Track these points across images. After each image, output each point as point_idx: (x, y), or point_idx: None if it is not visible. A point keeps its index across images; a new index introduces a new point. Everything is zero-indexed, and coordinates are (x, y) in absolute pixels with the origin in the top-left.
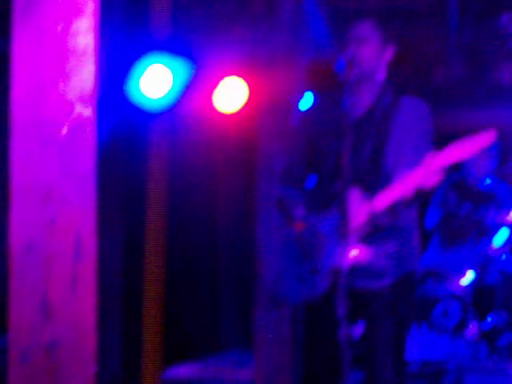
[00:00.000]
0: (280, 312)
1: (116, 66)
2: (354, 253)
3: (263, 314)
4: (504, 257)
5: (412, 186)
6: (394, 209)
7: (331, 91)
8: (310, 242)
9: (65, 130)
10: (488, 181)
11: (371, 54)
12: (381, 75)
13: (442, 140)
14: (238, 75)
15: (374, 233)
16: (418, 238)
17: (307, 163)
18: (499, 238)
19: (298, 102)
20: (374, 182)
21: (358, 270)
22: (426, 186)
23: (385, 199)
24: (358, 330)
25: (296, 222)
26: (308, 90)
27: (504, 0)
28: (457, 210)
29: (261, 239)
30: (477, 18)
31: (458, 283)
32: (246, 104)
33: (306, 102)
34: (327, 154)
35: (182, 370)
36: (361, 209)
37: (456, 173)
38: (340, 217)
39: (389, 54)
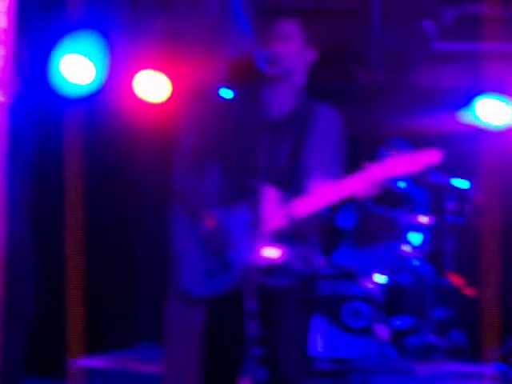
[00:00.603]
0: (189, 306)
1: (34, 50)
2: (265, 251)
3: (174, 308)
4: (416, 259)
5: (345, 194)
6: (314, 215)
7: (251, 87)
8: (220, 236)
9: None
10: (403, 183)
11: (293, 52)
12: (300, 76)
13: (364, 142)
14: (159, 66)
15: (287, 233)
16: (322, 240)
17: (219, 156)
18: (412, 241)
19: (218, 94)
20: (290, 182)
21: (266, 267)
22: (360, 195)
23: (307, 205)
24: (266, 327)
25: (204, 216)
26: (229, 84)
27: (426, 5)
28: (371, 210)
29: (174, 233)
30: (399, 21)
31: (369, 284)
32: (167, 95)
33: (226, 95)
34: (240, 149)
35: (93, 361)
36: (277, 210)
37: None
38: (252, 214)
39: (310, 55)
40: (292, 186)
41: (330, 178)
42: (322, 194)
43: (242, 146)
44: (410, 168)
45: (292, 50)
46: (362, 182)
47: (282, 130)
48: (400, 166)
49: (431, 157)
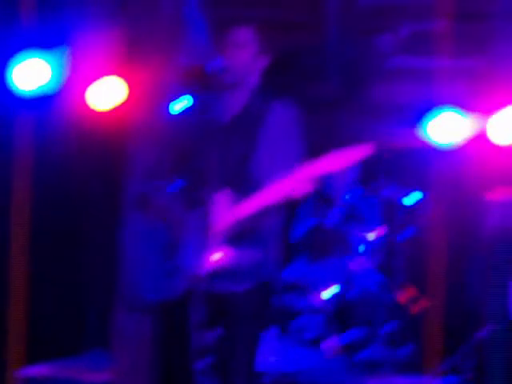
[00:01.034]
0: (139, 312)
1: None
2: (216, 255)
3: (122, 315)
4: (366, 273)
5: (280, 194)
6: (260, 216)
7: (206, 93)
8: (174, 242)
9: None
10: (353, 196)
11: (247, 60)
12: (253, 82)
13: (317, 153)
14: (115, 73)
15: (238, 237)
16: (280, 248)
17: (175, 163)
18: (362, 254)
19: (173, 101)
20: (243, 186)
21: (219, 272)
22: (294, 195)
23: (251, 205)
24: (215, 335)
25: (155, 214)
26: (184, 90)
27: (382, 20)
28: (322, 224)
29: (124, 238)
30: (355, 35)
31: (319, 297)
32: (121, 102)
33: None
34: (196, 155)
35: (40, 369)
36: (227, 212)
37: (324, 186)
38: (203, 218)
39: (263, 61)
40: (244, 189)
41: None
42: (265, 193)
43: (195, 152)
44: (340, 163)
45: (246, 58)
46: (297, 180)
47: (233, 131)
48: (332, 161)
49: (361, 150)
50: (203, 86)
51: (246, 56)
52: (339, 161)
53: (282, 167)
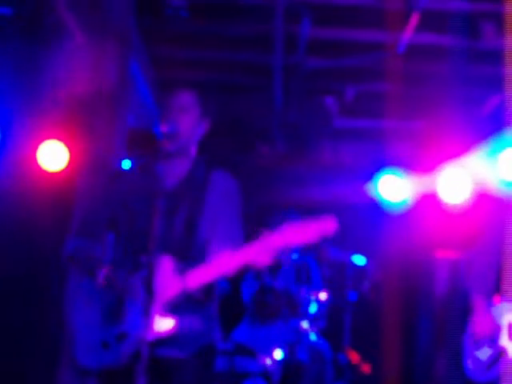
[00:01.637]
0: (83, 378)
1: None
2: (159, 322)
3: (65, 377)
4: (313, 335)
5: (239, 263)
6: (211, 284)
7: (149, 158)
8: (116, 307)
9: None
10: (299, 258)
11: (189, 125)
12: (195, 147)
13: (263, 214)
14: (59, 137)
15: (183, 304)
16: (218, 312)
17: (110, 222)
18: (309, 315)
19: (117, 165)
20: (186, 251)
21: (162, 339)
22: (256, 265)
23: (203, 275)
24: None
25: (99, 269)
26: (128, 155)
27: (327, 82)
28: (271, 286)
29: (69, 301)
30: (301, 97)
31: (267, 359)
32: (65, 164)
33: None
34: (137, 219)
35: None
36: (172, 280)
37: None
38: (147, 283)
39: (204, 126)
40: (188, 256)
41: (228, 245)
42: (219, 263)
43: (137, 216)
44: (305, 237)
45: (189, 122)
46: (257, 251)
47: (178, 198)
48: (295, 235)
49: (326, 226)
50: (148, 150)
51: (188, 122)
52: (305, 234)
53: (224, 236)
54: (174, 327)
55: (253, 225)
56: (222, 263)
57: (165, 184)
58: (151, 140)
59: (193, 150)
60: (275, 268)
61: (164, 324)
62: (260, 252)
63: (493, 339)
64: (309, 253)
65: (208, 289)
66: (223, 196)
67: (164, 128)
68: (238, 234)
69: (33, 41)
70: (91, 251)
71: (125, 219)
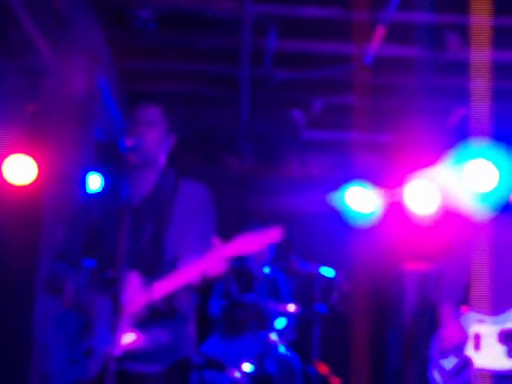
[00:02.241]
0: None
1: None
2: (127, 337)
3: None
4: (282, 347)
5: (196, 273)
6: (174, 296)
7: (116, 172)
8: (85, 324)
9: None
10: (267, 270)
11: (155, 138)
12: (162, 161)
13: (232, 227)
14: (26, 151)
15: (150, 318)
16: (194, 326)
17: (87, 243)
18: (277, 327)
19: (84, 180)
20: (154, 266)
21: (131, 353)
22: (210, 274)
23: (165, 286)
24: None
25: (67, 299)
26: (95, 168)
27: (294, 94)
28: (239, 299)
29: (37, 318)
30: (268, 109)
31: (236, 372)
32: (33, 178)
33: (94, 182)
34: (104, 236)
35: None
36: (138, 294)
37: (237, 261)
38: (115, 300)
39: (171, 140)
40: (157, 271)
41: (199, 255)
42: (180, 273)
43: (107, 234)
44: (254, 246)
45: (155, 137)
46: (211, 260)
47: (144, 212)
48: (245, 244)
49: (272, 235)
50: (114, 164)
51: (154, 135)
52: (253, 243)
53: (194, 247)
54: (142, 342)
55: (223, 234)
56: (182, 273)
57: (131, 200)
58: (118, 154)
59: (160, 163)
60: (244, 281)
61: (131, 339)
62: (213, 261)
63: (459, 349)
64: (277, 265)
65: (171, 299)
66: (193, 205)
67: (129, 142)
68: (209, 246)
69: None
70: (64, 274)
71: (93, 236)
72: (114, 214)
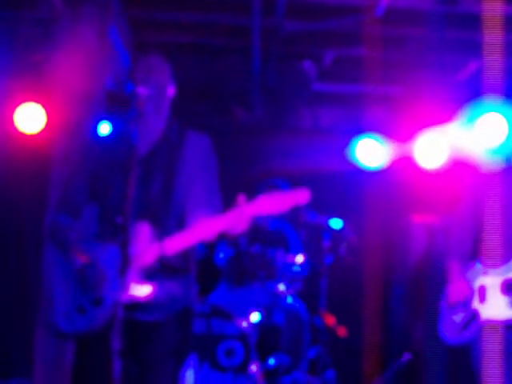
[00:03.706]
0: (59, 342)
1: None
2: (139, 289)
3: (43, 342)
4: (290, 297)
5: (217, 230)
6: (187, 252)
7: (123, 120)
8: (92, 273)
9: None
10: (276, 221)
11: (159, 85)
12: (167, 108)
13: (245, 182)
14: (36, 99)
15: (161, 270)
16: (195, 275)
17: (91, 192)
18: (287, 279)
19: (95, 129)
20: (163, 216)
21: (139, 303)
22: (232, 232)
23: (180, 242)
24: (135, 365)
25: (74, 250)
26: (107, 118)
27: (305, 46)
28: (247, 249)
29: (46, 268)
30: (280, 61)
31: (243, 322)
32: (45, 127)
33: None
34: (113, 185)
35: None
36: (150, 247)
37: None
38: (124, 249)
39: (173, 88)
40: (166, 221)
41: (207, 209)
42: (196, 230)
43: (115, 183)
44: (279, 207)
45: (159, 83)
46: (233, 219)
47: (152, 162)
48: (270, 204)
49: (299, 196)
50: (119, 111)
51: (158, 81)
52: (279, 203)
53: (203, 200)
54: (150, 293)
55: (233, 191)
56: (199, 230)
57: (139, 148)
58: (125, 101)
59: (165, 111)
60: (252, 232)
61: (141, 290)
62: (236, 220)
63: (466, 303)
64: (286, 216)
65: (185, 256)
66: (199, 156)
67: (135, 89)
68: (216, 199)
69: (11, 8)
70: (69, 229)
71: (103, 189)
72: (121, 161)
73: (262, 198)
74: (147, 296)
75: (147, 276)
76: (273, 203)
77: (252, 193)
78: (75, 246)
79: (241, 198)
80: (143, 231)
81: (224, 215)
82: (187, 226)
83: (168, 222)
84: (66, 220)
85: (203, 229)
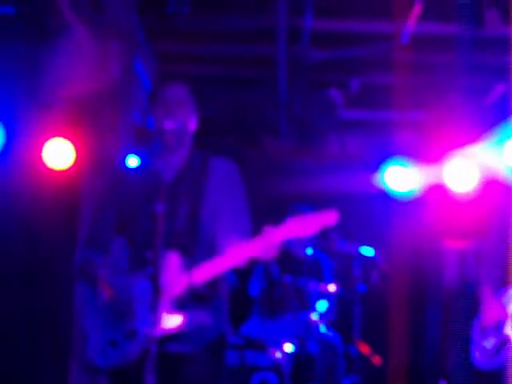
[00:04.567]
0: (93, 378)
1: None
2: (170, 319)
3: (77, 381)
4: (323, 327)
5: (243, 257)
6: (217, 279)
7: (148, 153)
8: (124, 306)
9: None
10: (310, 251)
11: (184, 118)
12: (188, 140)
13: (273, 209)
14: (64, 135)
15: (191, 300)
16: (227, 306)
17: (119, 226)
18: (319, 308)
19: (123, 164)
20: (191, 244)
21: (171, 335)
22: (263, 258)
23: (208, 270)
24: None
25: (102, 285)
26: (133, 150)
27: (331, 74)
28: (279, 279)
29: (79, 303)
30: (306, 89)
31: (277, 353)
32: (71, 162)
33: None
34: (140, 219)
35: None
36: (179, 276)
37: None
38: (154, 280)
39: (195, 121)
40: (193, 249)
41: (235, 235)
42: (225, 257)
43: (143, 216)
44: (308, 229)
45: (184, 116)
46: (261, 245)
47: (177, 191)
48: (298, 227)
49: (327, 218)
50: (145, 144)
51: (183, 114)
52: (307, 226)
53: (236, 227)
54: (182, 323)
55: (261, 218)
56: (228, 257)
57: (165, 177)
58: (149, 134)
59: (188, 142)
60: (285, 261)
61: (172, 320)
62: (266, 245)
63: (498, 328)
64: (318, 245)
65: (214, 283)
66: (225, 181)
67: (162, 123)
68: (245, 223)
69: (36, 40)
70: (98, 265)
71: (128, 221)
72: (149, 194)
73: (291, 221)
74: (178, 327)
75: (177, 306)
76: (301, 226)
77: (280, 219)
78: (103, 281)
79: (268, 226)
80: (172, 261)
81: (253, 240)
82: (218, 251)
83: (196, 250)
84: (94, 255)
85: (233, 255)
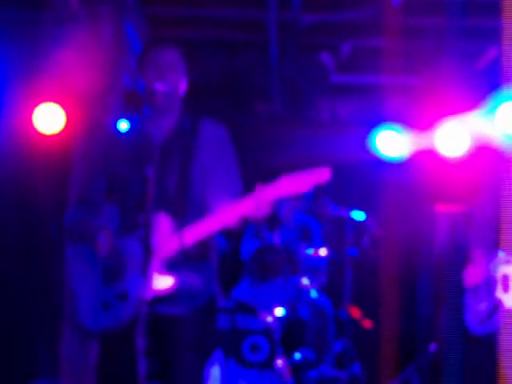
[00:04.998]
0: (84, 341)
1: None
2: (161, 281)
3: (69, 343)
4: (314, 292)
5: (235, 217)
6: (207, 240)
7: (138, 116)
8: (116, 268)
9: None
10: (299, 215)
11: (175, 81)
12: (178, 103)
13: (263, 173)
14: (55, 99)
15: (182, 261)
16: (218, 269)
17: (110, 190)
18: (310, 273)
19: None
20: (182, 207)
21: (162, 297)
22: (255, 217)
23: (199, 230)
24: (160, 362)
25: (94, 242)
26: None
27: (323, 38)
28: (270, 243)
29: (69, 266)
30: (297, 53)
31: (268, 317)
32: (62, 126)
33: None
34: (132, 181)
35: None
36: (170, 237)
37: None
38: (145, 243)
39: (185, 83)
40: (185, 211)
41: (227, 197)
42: (215, 217)
43: (134, 179)
44: (300, 187)
45: (175, 79)
46: (254, 203)
47: (168, 153)
48: (289, 185)
49: (320, 175)
50: (136, 108)
51: (174, 77)
52: (299, 183)
53: (227, 188)
54: (172, 285)
55: (252, 185)
56: (219, 218)
57: (155, 140)
58: (140, 98)
59: (177, 105)
60: (275, 225)
61: (163, 282)
62: (257, 203)
63: (489, 291)
64: (308, 210)
65: (205, 244)
66: (216, 144)
67: (147, 83)
68: (236, 185)
69: (29, 8)
70: (90, 224)
71: (119, 185)
72: (140, 157)
73: (283, 180)
74: (169, 288)
75: (168, 268)
76: (293, 183)
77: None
78: (96, 237)
79: (259, 184)
80: (162, 223)
81: (244, 199)
82: (209, 214)
83: (187, 212)
84: (85, 216)
85: (224, 215)
